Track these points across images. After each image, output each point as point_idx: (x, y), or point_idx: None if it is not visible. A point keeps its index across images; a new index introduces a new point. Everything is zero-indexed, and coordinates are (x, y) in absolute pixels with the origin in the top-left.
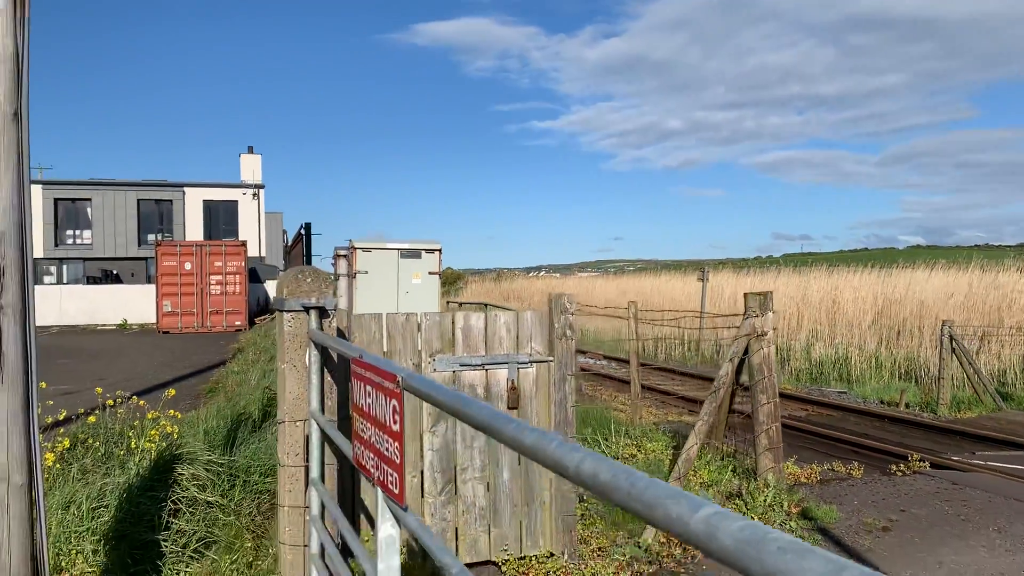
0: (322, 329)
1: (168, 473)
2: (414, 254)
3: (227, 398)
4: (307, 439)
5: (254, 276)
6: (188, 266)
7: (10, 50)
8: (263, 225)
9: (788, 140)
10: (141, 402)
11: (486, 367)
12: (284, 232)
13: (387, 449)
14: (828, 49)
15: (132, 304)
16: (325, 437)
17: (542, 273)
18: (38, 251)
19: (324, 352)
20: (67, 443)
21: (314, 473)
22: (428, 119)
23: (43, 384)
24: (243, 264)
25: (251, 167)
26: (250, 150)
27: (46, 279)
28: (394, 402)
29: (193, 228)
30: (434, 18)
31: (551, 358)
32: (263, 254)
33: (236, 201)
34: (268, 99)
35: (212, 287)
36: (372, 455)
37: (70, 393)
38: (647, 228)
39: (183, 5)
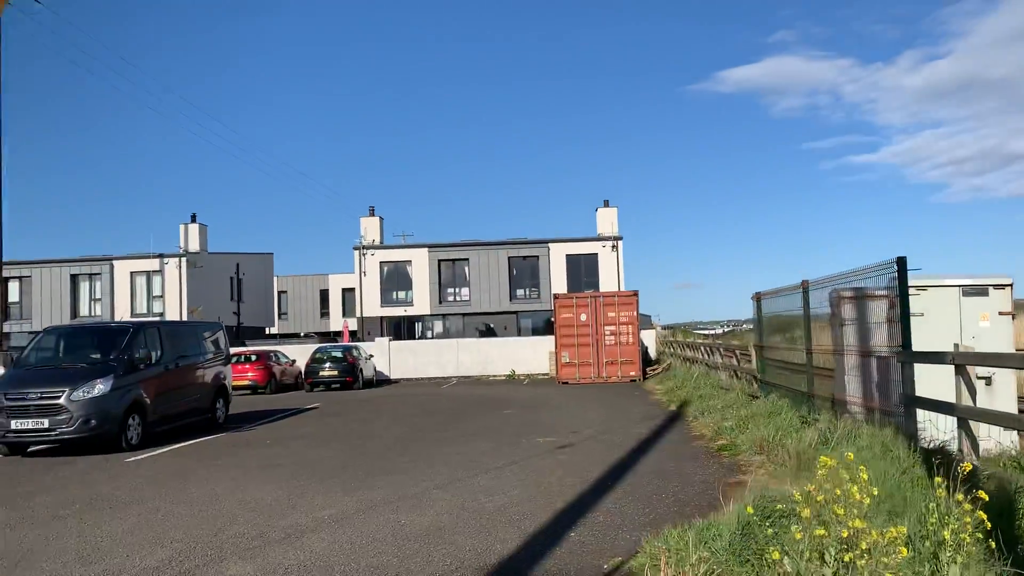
0: None
1: None
2: (979, 291)
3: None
4: None
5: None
6: (583, 317)
7: None
8: (622, 276)
9: None
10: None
11: None
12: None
13: None
14: None
15: (517, 355)
16: None
17: None
18: (425, 308)
19: None
20: None
21: None
22: (734, 163)
23: (540, 439)
24: (635, 314)
25: (608, 220)
26: (606, 204)
27: (428, 334)
28: None
29: (557, 281)
30: (738, 63)
31: None
32: None
33: (596, 254)
34: (615, 155)
35: (607, 337)
36: None
37: (564, 447)
38: (989, 261)
39: (535, 77)
